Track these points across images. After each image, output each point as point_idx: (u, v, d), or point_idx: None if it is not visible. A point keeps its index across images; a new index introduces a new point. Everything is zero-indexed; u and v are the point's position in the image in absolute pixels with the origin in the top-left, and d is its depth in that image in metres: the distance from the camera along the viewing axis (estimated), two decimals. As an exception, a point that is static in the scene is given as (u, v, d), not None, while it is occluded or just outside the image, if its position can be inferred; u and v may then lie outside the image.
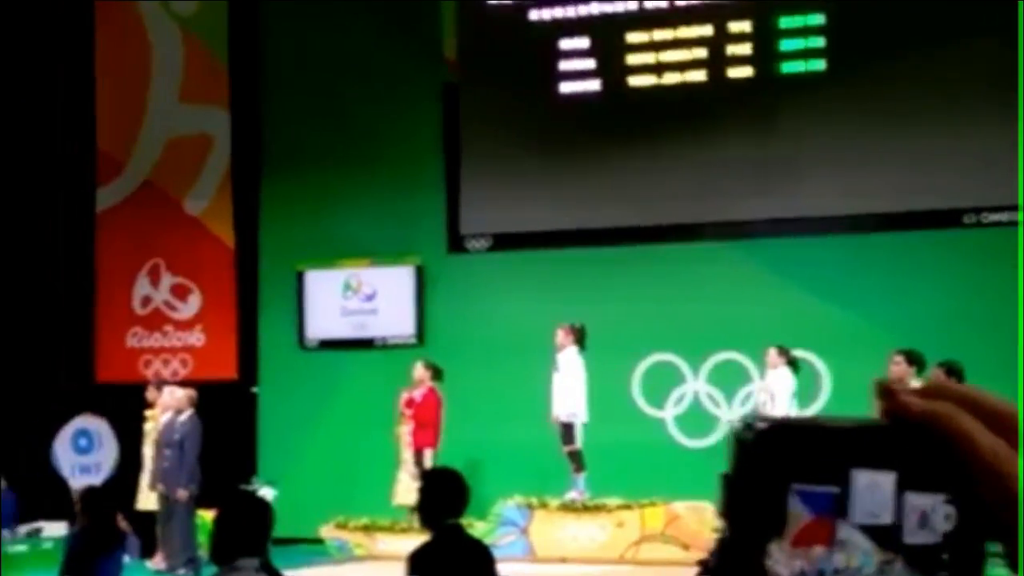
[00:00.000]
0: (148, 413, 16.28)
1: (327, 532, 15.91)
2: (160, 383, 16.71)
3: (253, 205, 18.56)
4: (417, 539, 6.48)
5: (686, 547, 13.94)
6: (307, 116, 18.28)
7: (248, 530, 5.74)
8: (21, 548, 16.17)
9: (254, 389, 18.33)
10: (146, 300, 19.02)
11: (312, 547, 15.60)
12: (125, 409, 16.91)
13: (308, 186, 18.09)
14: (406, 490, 14.70)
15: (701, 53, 16.69)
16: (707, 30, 16.63)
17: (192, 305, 18.78)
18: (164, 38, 19.05)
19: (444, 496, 6.54)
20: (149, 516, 15.54)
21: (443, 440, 15.29)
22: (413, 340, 17.44)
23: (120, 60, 19.20)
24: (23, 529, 17.22)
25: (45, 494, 16.79)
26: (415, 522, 13.82)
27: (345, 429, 17.39)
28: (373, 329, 17.79)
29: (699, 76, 16.70)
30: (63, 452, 16.52)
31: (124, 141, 19.18)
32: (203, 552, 14.69)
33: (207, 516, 14.87)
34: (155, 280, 18.96)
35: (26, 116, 19.29)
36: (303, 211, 18.11)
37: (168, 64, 19.03)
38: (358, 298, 17.88)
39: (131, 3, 19.15)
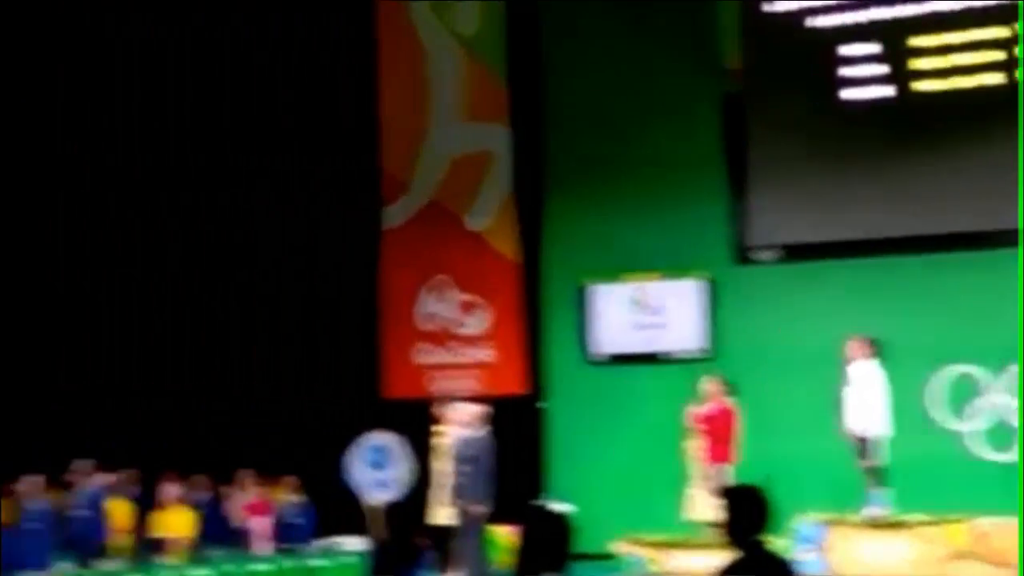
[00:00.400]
0: (437, 429, 16.41)
1: (621, 547, 15.80)
2: (450, 399, 16.84)
3: (536, 220, 18.63)
4: (712, 555, 6.34)
5: (1000, 565, 13.41)
6: (588, 130, 18.31)
7: (551, 546, 5.73)
8: (323, 562, 16.52)
9: (541, 404, 18.37)
10: (431, 316, 19.24)
11: (604, 563, 15.53)
12: (412, 424, 17.11)
13: (591, 200, 18.10)
14: (699, 505, 14.53)
15: (994, 55, 16.14)
16: (1002, 32, 16.09)
17: (479, 321, 18.93)
18: (444, 57, 19.30)
19: (748, 513, 6.43)
20: (441, 531, 15.67)
21: (737, 454, 15.06)
22: (702, 354, 17.28)
23: (402, 80, 19.52)
24: (321, 543, 17.60)
25: (341, 509, 17.09)
26: (710, 537, 13.67)
27: (633, 443, 17.32)
28: (661, 343, 17.68)
29: (992, 79, 16.15)
30: (357, 468, 16.76)
31: (407, 160, 19.47)
32: (495, 567, 14.77)
33: (497, 531, 14.96)
34: (441, 296, 19.17)
35: (314, 139, 19.74)
36: (587, 225, 18.14)
37: (448, 83, 19.27)
38: (645, 312, 17.79)
39: (412, 24, 19.45)
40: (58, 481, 17.22)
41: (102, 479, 16.87)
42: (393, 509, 16.53)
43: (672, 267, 17.62)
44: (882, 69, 16.74)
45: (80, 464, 16.96)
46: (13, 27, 19.79)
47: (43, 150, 20.15)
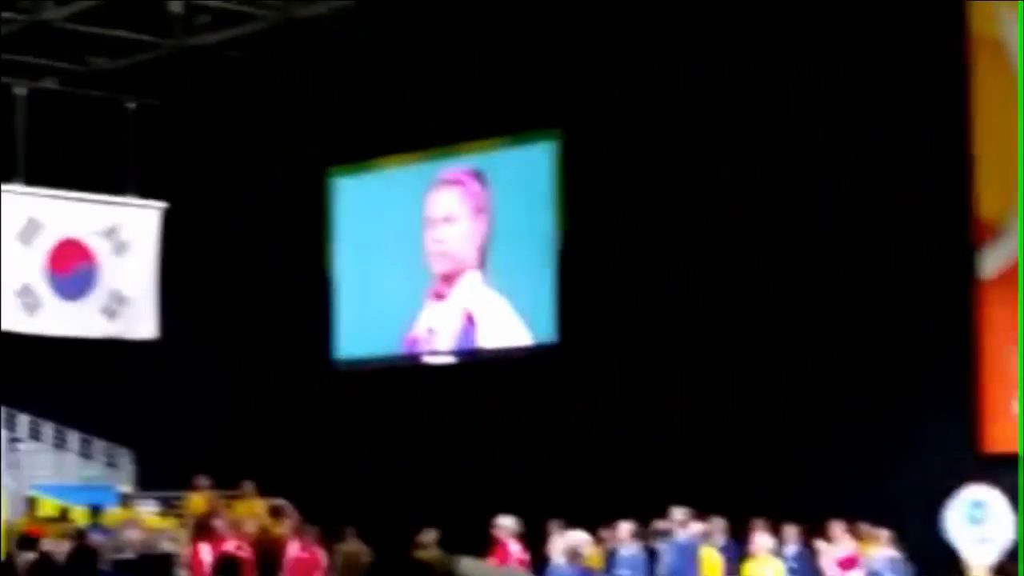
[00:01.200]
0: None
1: None
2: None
3: None
4: None
5: None
6: None
7: None
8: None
9: None
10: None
11: None
12: (1013, 479, 16.39)
13: None
14: None
15: None
16: None
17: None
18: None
19: None
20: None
21: None
22: None
23: (997, 119, 18.68)
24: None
25: (940, 565, 16.54)
26: None
27: None
28: None
29: None
30: (957, 524, 16.20)
31: (1003, 203, 18.58)
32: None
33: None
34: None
35: (900, 183, 19.22)
36: None
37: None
38: None
39: (1008, 58, 18.61)
40: (650, 528, 17.43)
41: (696, 527, 16.94)
42: (997, 567, 15.92)
43: None
44: None
45: (676, 512, 17.08)
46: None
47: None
